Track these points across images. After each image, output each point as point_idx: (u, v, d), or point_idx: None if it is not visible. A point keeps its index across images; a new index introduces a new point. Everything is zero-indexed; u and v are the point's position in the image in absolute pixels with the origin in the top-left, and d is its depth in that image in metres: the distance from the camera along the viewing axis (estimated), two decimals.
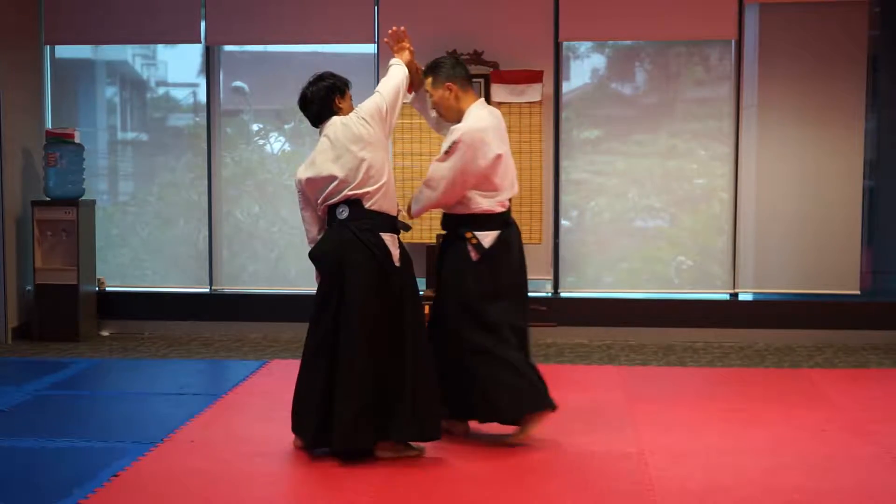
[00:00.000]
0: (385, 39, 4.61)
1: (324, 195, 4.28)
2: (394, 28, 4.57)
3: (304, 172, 4.35)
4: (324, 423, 4.19)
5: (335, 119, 4.34)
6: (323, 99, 4.36)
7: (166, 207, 7.50)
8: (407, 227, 4.42)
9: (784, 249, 7.02)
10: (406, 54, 4.54)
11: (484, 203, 4.42)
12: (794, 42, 6.94)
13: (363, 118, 4.29)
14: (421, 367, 4.22)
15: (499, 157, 4.42)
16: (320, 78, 4.41)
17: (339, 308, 4.20)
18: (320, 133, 4.38)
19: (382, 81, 4.46)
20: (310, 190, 4.34)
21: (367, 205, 4.24)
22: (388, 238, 4.26)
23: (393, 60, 4.53)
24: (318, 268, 4.37)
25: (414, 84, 4.62)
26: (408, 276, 4.32)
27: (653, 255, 7.18)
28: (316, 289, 4.38)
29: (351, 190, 4.23)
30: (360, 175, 4.23)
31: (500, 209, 4.46)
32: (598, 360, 6.33)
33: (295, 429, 4.37)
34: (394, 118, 4.39)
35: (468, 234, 4.40)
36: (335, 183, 4.24)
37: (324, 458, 4.25)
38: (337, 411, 4.13)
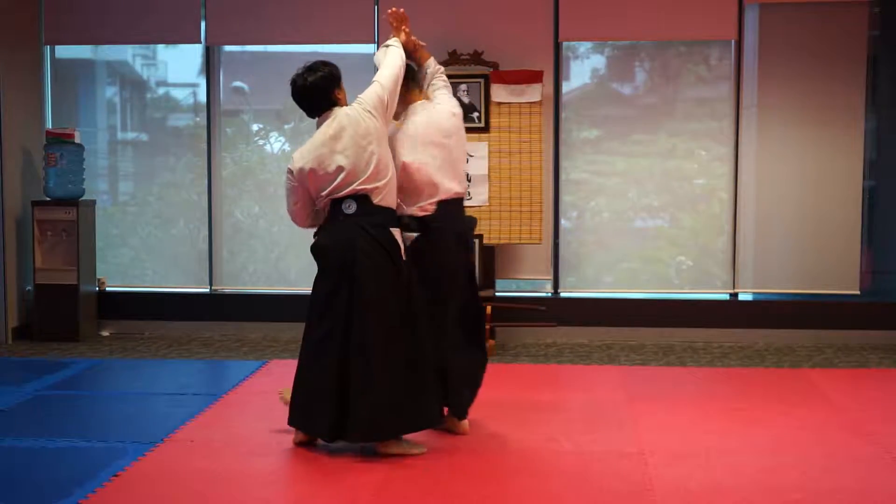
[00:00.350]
0: (385, 16, 4.55)
1: (330, 188, 4.21)
2: (394, 8, 4.52)
3: (305, 162, 4.24)
4: (340, 418, 4.18)
5: (338, 110, 4.26)
6: (324, 90, 4.27)
7: (166, 207, 7.50)
8: (414, 227, 4.43)
9: (784, 249, 7.02)
10: (403, 35, 4.49)
11: (405, 209, 4.40)
12: (794, 42, 6.93)
13: (369, 111, 4.23)
14: (427, 359, 4.28)
15: (403, 165, 4.34)
16: (314, 68, 4.30)
17: (351, 303, 4.17)
18: (319, 124, 4.29)
19: (381, 70, 4.37)
20: (311, 181, 4.24)
21: (375, 200, 4.21)
22: (396, 233, 4.27)
23: (390, 41, 4.46)
24: (322, 262, 4.29)
25: (415, 61, 4.58)
26: (411, 271, 4.34)
27: (653, 255, 7.17)
28: (314, 285, 4.36)
29: (360, 184, 4.18)
30: (370, 169, 4.18)
31: (420, 213, 4.40)
32: (598, 360, 6.32)
33: (295, 423, 4.36)
34: (393, 108, 4.36)
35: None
36: (343, 176, 4.18)
37: (323, 456, 4.26)
38: (360, 406, 4.13)
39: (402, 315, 4.24)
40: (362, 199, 4.21)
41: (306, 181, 4.26)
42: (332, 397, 4.18)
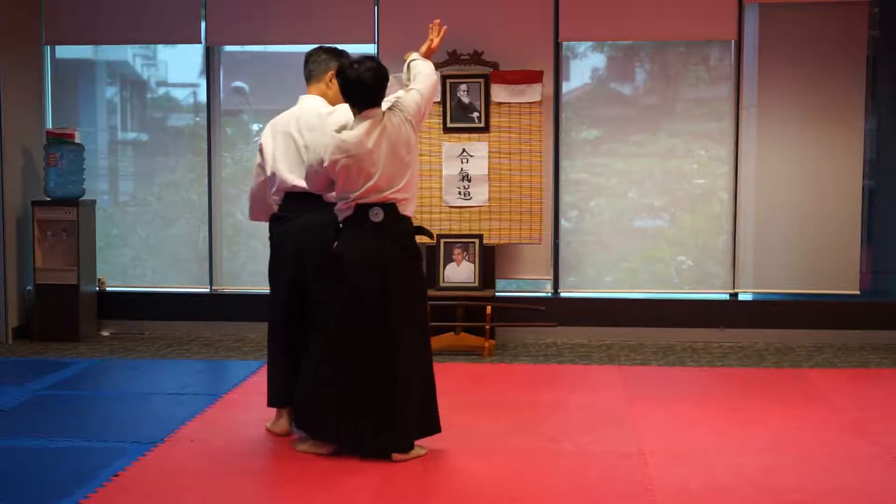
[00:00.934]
0: (431, 25, 4.55)
1: (360, 192, 4.11)
2: (440, 21, 4.55)
3: (341, 156, 4.08)
4: (381, 425, 4.17)
5: (383, 112, 4.15)
6: (382, 84, 4.14)
7: (166, 207, 7.50)
8: (431, 235, 4.46)
9: (784, 249, 7.02)
10: (424, 48, 4.48)
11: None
12: (793, 42, 6.94)
13: (409, 120, 4.18)
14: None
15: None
16: (372, 58, 4.16)
17: (384, 312, 4.14)
18: (359, 120, 4.13)
19: (419, 80, 4.31)
20: (343, 178, 4.11)
21: (401, 210, 4.18)
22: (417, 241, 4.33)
23: (414, 54, 4.43)
24: (345, 268, 4.17)
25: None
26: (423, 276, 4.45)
27: (653, 255, 7.17)
28: (319, 285, 4.30)
29: (392, 193, 4.13)
30: (404, 180, 4.15)
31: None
32: (598, 360, 6.32)
33: (319, 435, 4.29)
34: (425, 119, 4.34)
35: None
36: (378, 182, 4.10)
37: (323, 457, 4.25)
38: (400, 412, 4.16)
39: (427, 322, 4.31)
40: (390, 207, 4.15)
41: (335, 175, 4.15)
42: (374, 404, 4.17)
